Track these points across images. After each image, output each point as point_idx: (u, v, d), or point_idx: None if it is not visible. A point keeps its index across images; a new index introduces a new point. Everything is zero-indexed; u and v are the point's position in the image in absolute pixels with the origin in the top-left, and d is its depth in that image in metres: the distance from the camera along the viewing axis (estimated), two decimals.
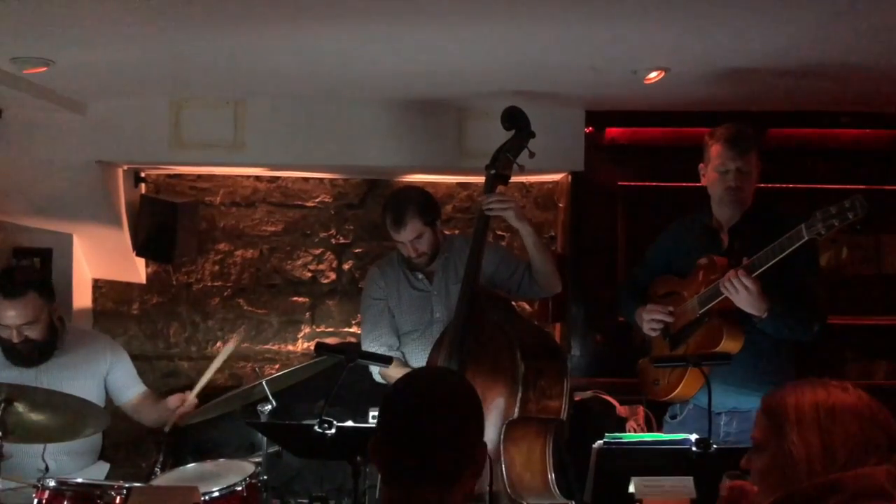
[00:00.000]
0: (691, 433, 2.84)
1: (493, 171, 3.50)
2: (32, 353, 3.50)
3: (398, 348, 3.69)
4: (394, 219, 3.58)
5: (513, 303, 3.63)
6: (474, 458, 1.80)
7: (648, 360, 3.37)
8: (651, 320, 3.33)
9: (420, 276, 3.69)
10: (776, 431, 1.74)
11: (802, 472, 1.69)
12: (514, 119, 3.49)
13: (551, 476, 2.93)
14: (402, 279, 3.72)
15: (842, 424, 1.69)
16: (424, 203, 3.62)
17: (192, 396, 3.58)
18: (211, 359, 4.84)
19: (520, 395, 2.97)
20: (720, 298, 3.07)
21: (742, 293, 2.98)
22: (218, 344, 4.93)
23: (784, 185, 4.40)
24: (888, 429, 1.71)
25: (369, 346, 3.67)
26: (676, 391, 3.19)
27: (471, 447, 1.79)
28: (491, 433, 2.86)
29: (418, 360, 3.60)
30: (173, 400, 3.62)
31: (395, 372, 3.59)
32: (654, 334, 3.35)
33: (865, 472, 1.65)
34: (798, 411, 1.72)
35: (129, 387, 3.75)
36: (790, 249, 2.90)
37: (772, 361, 3.17)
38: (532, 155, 3.43)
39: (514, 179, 3.62)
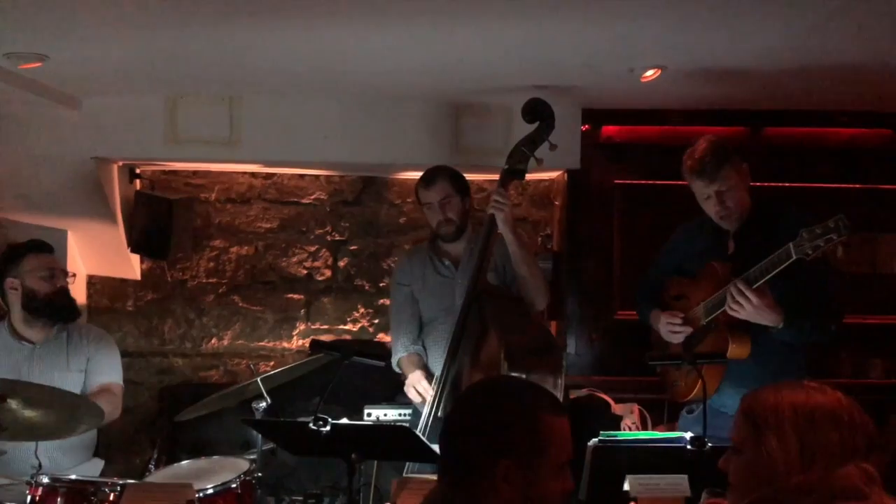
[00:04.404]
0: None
1: (505, 167, 3.54)
2: (64, 306, 3.61)
3: (420, 335, 3.72)
4: (425, 179, 3.66)
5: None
6: (480, 470, 1.75)
7: (649, 356, 3.37)
8: (670, 332, 3.34)
9: (447, 262, 3.71)
10: (754, 435, 1.74)
11: (779, 476, 1.69)
12: (535, 111, 3.55)
13: None
14: (428, 264, 3.74)
15: (820, 429, 1.68)
16: (456, 173, 3.71)
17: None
18: (205, 356, 4.90)
19: None
20: (723, 310, 3.07)
21: (747, 308, 2.99)
22: (213, 340, 4.93)
23: (781, 184, 4.40)
24: (866, 431, 1.70)
25: (394, 333, 3.81)
26: (694, 392, 3.20)
27: (477, 457, 1.77)
28: None
29: (440, 349, 3.58)
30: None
31: (407, 366, 3.65)
32: (675, 341, 3.35)
33: (839, 472, 1.65)
34: (777, 415, 1.72)
35: (100, 373, 3.64)
36: (782, 267, 2.90)
37: (784, 362, 3.16)
38: (553, 147, 3.49)
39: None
